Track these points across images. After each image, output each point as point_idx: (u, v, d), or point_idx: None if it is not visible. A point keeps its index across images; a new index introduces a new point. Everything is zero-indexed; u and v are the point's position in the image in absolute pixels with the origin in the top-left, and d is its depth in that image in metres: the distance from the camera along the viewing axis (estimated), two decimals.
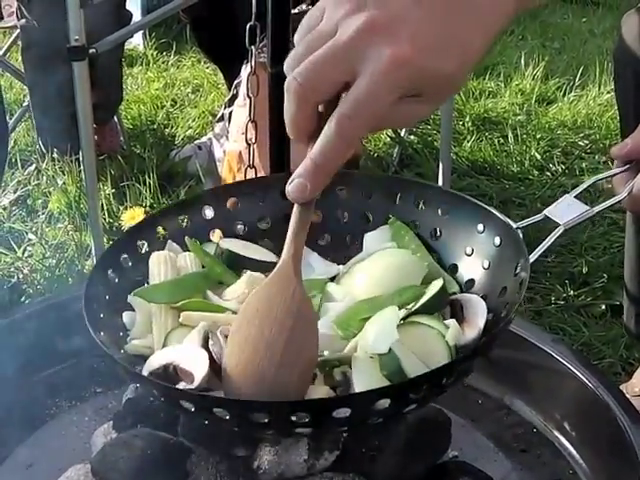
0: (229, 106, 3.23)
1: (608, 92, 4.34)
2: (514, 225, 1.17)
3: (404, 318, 1.11)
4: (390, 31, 0.92)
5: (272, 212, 1.33)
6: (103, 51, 2.62)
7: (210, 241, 1.32)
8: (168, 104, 4.39)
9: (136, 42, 5.20)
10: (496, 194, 3.43)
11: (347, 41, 0.93)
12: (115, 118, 3.89)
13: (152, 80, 4.74)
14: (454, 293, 1.20)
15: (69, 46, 2.53)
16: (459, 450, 1.34)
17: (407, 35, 0.92)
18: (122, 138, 3.90)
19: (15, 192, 3.44)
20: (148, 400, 1.31)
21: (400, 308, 1.12)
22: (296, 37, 1.00)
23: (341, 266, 1.27)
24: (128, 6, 3.76)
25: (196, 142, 3.73)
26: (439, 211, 1.26)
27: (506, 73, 4.73)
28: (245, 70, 3.04)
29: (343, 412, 0.97)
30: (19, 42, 3.85)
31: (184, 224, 1.31)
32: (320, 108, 0.98)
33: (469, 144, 3.90)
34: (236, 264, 1.27)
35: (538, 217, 1.19)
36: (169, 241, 1.29)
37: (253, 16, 1.97)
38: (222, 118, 3.32)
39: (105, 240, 2.85)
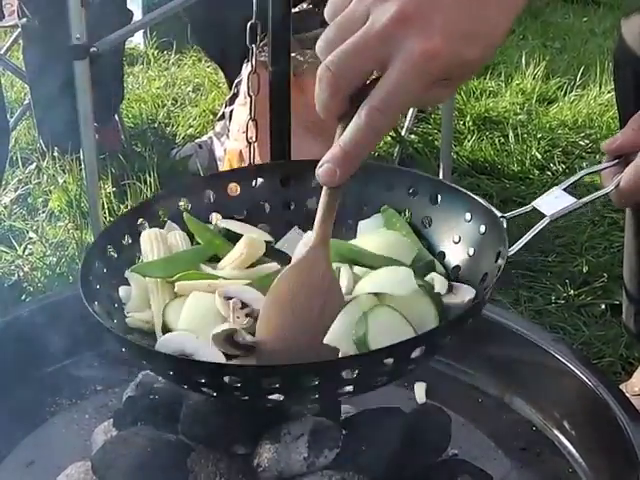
0: (230, 105, 3.24)
1: (609, 92, 4.33)
2: (499, 214, 1.20)
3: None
4: (421, 21, 0.94)
5: (271, 198, 1.37)
6: (104, 50, 2.62)
7: (209, 222, 1.35)
8: (169, 103, 4.39)
9: (137, 41, 5.20)
10: (497, 193, 3.43)
11: (380, 31, 0.95)
12: (116, 117, 3.89)
13: (153, 79, 4.74)
14: None
15: (71, 45, 2.53)
16: (459, 448, 1.34)
17: (438, 25, 0.94)
18: (123, 137, 3.90)
19: (16, 190, 3.44)
20: (148, 398, 1.32)
21: None
22: (326, 15, 1.02)
23: None
24: (128, 5, 3.77)
25: (197, 141, 3.73)
26: (430, 200, 1.29)
27: (507, 72, 4.73)
28: (246, 69, 3.04)
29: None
30: (20, 41, 3.85)
31: (184, 206, 1.35)
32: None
33: (470, 143, 3.90)
34: (234, 241, 1.30)
35: (526, 209, 1.21)
36: (169, 222, 1.33)
37: (254, 15, 1.97)
38: (223, 117, 3.32)
39: None
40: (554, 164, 3.77)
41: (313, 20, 3.23)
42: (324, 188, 1.05)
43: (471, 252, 1.23)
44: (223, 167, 3.16)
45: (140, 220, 1.31)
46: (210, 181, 1.40)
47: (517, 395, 1.49)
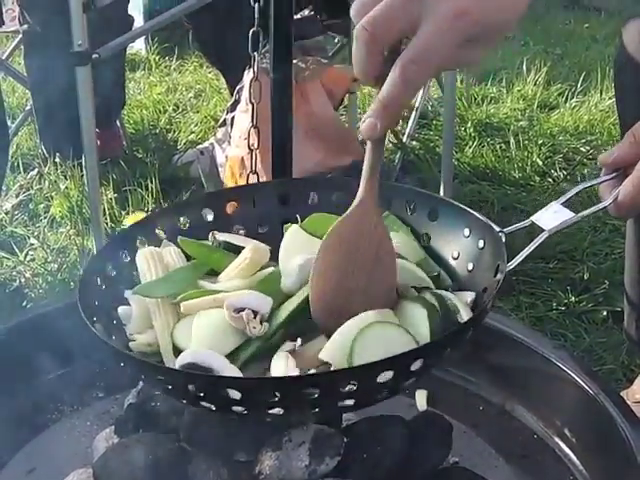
0: (231, 111, 3.24)
1: (610, 98, 4.33)
2: (497, 229, 1.20)
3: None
4: None
5: (269, 217, 1.36)
6: (106, 56, 2.63)
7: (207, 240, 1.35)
8: (170, 109, 4.39)
9: (138, 47, 5.21)
10: (497, 200, 3.43)
11: None
12: (117, 123, 3.90)
13: (154, 85, 4.75)
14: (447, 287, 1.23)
15: (72, 51, 2.54)
16: (460, 456, 1.34)
17: None
18: (124, 143, 3.91)
19: (17, 196, 3.45)
20: (150, 405, 1.32)
21: None
22: None
23: None
24: (130, 11, 3.77)
25: (198, 147, 3.73)
26: (429, 216, 1.30)
27: (508, 79, 4.74)
28: (247, 75, 3.04)
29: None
30: (22, 46, 3.85)
31: (183, 225, 1.35)
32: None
33: (471, 150, 3.90)
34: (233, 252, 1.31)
35: (525, 223, 1.21)
36: (164, 241, 1.32)
37: (255, 22, 1.98)
38: (224, 123, 3.32)
39: None
40: (555, 170, 3.77)
41: (314, 27, 3.24)
42: (368, 143, 1.12)
43: (470, 267, 1.23)
44: (225, 174, 3.16)
45: (139, 239, 1.31)
46: (208, 199, 1.40)
47: (518, 402, 1.48)
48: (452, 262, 1.26)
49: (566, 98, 4.52)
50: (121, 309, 1.23)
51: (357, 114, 3.89)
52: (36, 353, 1.46)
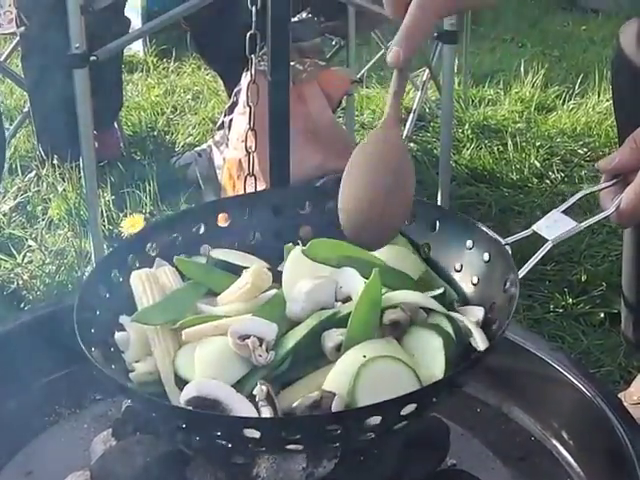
0: (229, 114, 3.24)
1: (607, 100, 4.34)
2: (503, 241, 1.18)
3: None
4: None
5: (262, 228, 1.36)
6: (103, 58, 2.63)
7: (199, 254, 1.33)
8: (168, 111, 4.39)
9: (136, 48, 5.20)
10: (495, 202, 3.43)
11: None
12: (115, 125, 3.90)
13: (152, 87, 4.75)
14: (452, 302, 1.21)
15: (70, 53, 2.54)
16: (457, 458, 1.34)
17: None
18: (122, 145, 3.90)
19: (15, 198, 3.44)
20: None
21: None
22: None
23: None
24: (127, 13, 3.77)
25: (196, 149, 3.73)
26: (429, 227, 1.28)
27: (506, 81, 4.74)
28: (245, 78, 3.05)
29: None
30: (19, 48, 3.85)
31: (175, 240, 1.33)
32: None
33: (468, 152, 3.90)
34: (229, 272, 1.28)
35: (527, 233, 1.20)
36: (157, 259, 1.30)
37: (253, 25, 1.98)
38: (222, 126, 3.32)
39: (105, 247, 2.85)
40: (553, 172, 3.78)
41: (312, 29, 3.23)
42: (394, 71, 1.19)
43: (475, 280, 1.22)
44: (222, 176, 3.16)
45: (130, 257, 1.29)
46: (200, 213, 1.38)
47: (515, 405, 1.49)
48: (455, 275, 1.25)
49: (564, 100, 4.53)
50: (118, 335, 1.21)
51: (355, 116, 3.89)
52: (33, 355, 1.46)
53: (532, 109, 4.44)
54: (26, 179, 3.58)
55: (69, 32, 2.54)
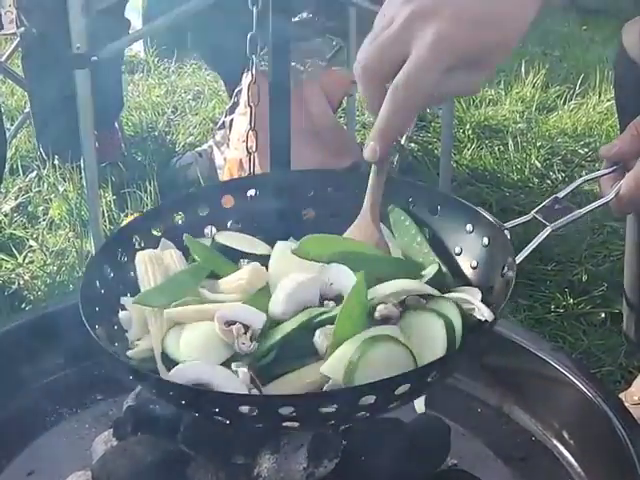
0: (230, 114, 3.24)
1: (608, 100, 4.34)
2: (502, 226, 1.19)
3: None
4: (434, 14, 1.08)
5: (266, 209, 1.36)
6: (104, 59, 2.63)
7: (204, 236, 1.34)
8: (169, 111, 4.39)
9: (137, 48, 5.20)
10: (496, 202, 3.43)
11: (398, 27, 1.10)
12: (116, 125, 3.90)
13: (153, 87, 4.74)
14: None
15: (71, 54, 2.54)
16: (458, 458, 1.34)
17: (449, 14, 1.08)
18: (123, 145, 3.90)
19: (16, 198, 3.44)
20: (149, 407, 1.32)
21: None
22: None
23: None
24: (128, 13, 3.77)
25: (197, 149, 3.73)
26: (430, 211, 1.30)
27: (507, 81, 4.73)
28: (246, 78, 3.05)
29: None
30: (20, 49, 3.85)
31: (179, 222, 1.34)
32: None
33: (469, 152, 3.90)
34: (232, 257, 1.29)
35: (526, 218, 1.21)
36: (162, 239, 1.31)
37: (254, 25, 1.98)
38: (223, 126, 3.33)
39: None
40: (554, 172, 3.77)
41: (313, 29, 3.24)
42: (372, 165, 1.21)
43: (474, 264, 1.23)
44: (223, 176, 3.16)
45: (135, 237, 1.30)
46: (204, 194, 1.40)
47: (516, 405, 1.49)
48: (455, 258, 1.26)
49: (564, 100, 4.52)
50: (122, 314, 1.22)
51: (355, 116, 3.89)
52: (34, 356, 1.46)
53: (533, 109, 4.44)
54: (27, 179, 3.58)
55: (70, 33, 2.54)
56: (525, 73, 4.72)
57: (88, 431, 1.45)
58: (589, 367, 2.30)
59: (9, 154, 3.56)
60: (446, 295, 1.17)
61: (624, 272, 2.16)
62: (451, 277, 1.24)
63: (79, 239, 3.08)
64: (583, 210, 1.18)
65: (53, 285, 2.84)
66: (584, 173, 3.71)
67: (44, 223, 3.27)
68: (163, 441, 1.27)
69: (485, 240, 1.22)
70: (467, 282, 1.23)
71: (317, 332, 1.10)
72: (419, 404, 1.37)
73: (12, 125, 3.95)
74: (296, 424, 1.06)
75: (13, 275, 2.94)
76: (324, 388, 1.06)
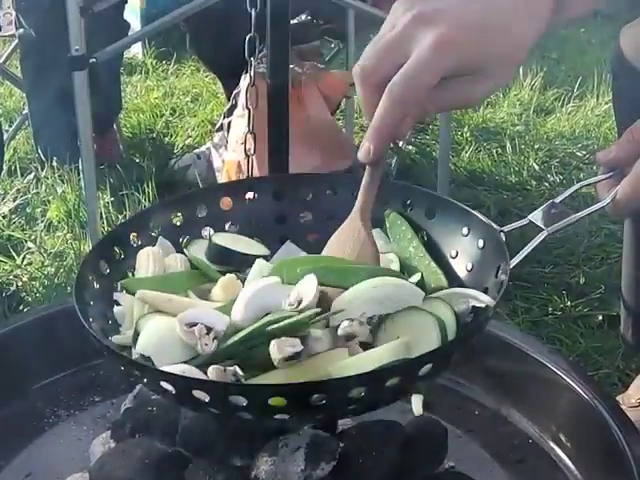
0: (228, 116, 3.24)
1: (606, 103, 4.34)
2: (498, 229, 1.19)
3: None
4: (434, 19, 1.09)
5: (264, 212, 1.37)
6: (103, 61, 2.63)
7: (202, 237, 1.34)
8: (167, 113, 4.39)
9: (135, 51, 5.20)
10: (494, 204, 3.43)
11: (400, 30, 1.11)
12: (114, 127, 3.90)
13: (151, 89, 4.75)
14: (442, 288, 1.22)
15: (70, 56, 2.54)
16: (455, 461, 1.34)
17: (451, 20, 1.09)
18: (121, 147, 3.91)
19: (14, 200, 3.45)
20: (147, 409, 1.32)
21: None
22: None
23: None
24: (126, 15, 3.77)
25: (195, 151, 3.74)
26: (426, 214, 1.30)
27: None
28: (244, 80, 3.05)
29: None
30: (19, 50, 3.86)
31: (177, 222, 1.34)
32: None
33: (467, 154, 3.91)
34: (228, 259, 1.30)
35: (522, 222, 1.21)
36: (160, 237, 1.31)
37: (252, 27, 1.98)
38: (221, 128, 3.33)
39: None
40: (551, 175, 3.78)
41: (311, 32, 3.24)
42: (367, 167, 1.20)
43: (469, 267, 1.23)
44: (221, 178, 3.16)
45: (132, 234, 1.30)
46: (203, 195, 1.40)
47: (513, 407, 1.49)
48: (451, 261, 1.26)
49: (562, 103, 4.53)
50: (117, 309, 1.22)
51: (354, 119, 3.90)
52: (32, 357, 1.46)
53: (531, 112, 4.44)
54: (25, 181, 3.58)
55: (69, 34, 2.54)
56: (523, 75, 4.72)
57: (86, 433, 1.44)
58: (586, 370, 2.30)
59: (7, 156, 3.57)
60: (437, 294, 1.18)
61: (621, 275, 2.17)
62: (445, 280, 1.24)
63: (77, 241, 3.09)
64: (579, 215, 1.19)
65: (51, 287, 2.84)
66: (582, 175, 3.72)
67: (42, 225, 3.27)
68: (161, 443, 1.27)
69: (480, 242, 1.22)
70: (462, 285, 1.23)
71: (272, 342, 1.07)
72: (417, 406, 1.38)
73: (10, 127, 3.95)
74: (286, 416, 1.06)
75: (11, 277, 2.94)
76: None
